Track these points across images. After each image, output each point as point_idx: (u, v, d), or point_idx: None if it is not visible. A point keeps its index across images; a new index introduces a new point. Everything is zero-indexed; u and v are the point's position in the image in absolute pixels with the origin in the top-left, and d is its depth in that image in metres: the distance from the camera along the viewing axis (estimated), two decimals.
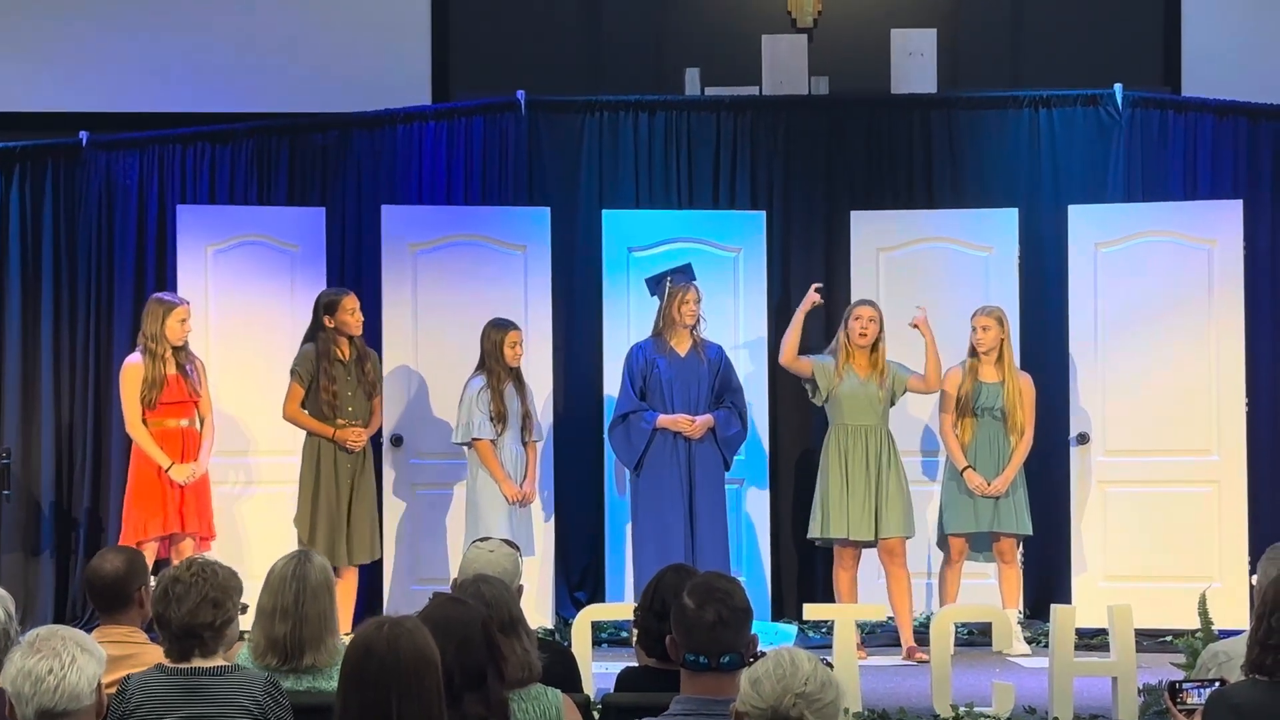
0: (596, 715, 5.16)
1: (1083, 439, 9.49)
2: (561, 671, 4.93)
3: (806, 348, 9.17)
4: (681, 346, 9.13)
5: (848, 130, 10.18)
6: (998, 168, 10.09)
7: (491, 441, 8.92)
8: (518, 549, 5.38)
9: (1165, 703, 4.76)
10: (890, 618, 8.87)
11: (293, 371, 8.92)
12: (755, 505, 9.73)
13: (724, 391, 9.15)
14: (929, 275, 9.71)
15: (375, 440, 9.26)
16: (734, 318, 9.73)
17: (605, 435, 9.38)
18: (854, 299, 9.42)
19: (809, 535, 9.03)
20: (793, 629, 9.09)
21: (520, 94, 10.09)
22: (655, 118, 10.16)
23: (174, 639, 4.45)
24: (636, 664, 4.88)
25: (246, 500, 9.60)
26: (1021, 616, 9.14)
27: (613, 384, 9.43)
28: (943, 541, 9.15)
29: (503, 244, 9.73)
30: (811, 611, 7.90)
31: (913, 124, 10.16)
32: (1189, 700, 4.62)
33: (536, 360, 9.40)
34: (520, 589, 5.13)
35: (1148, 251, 9.52)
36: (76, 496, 9.99)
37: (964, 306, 9.26)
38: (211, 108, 10.31)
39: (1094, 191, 9.90)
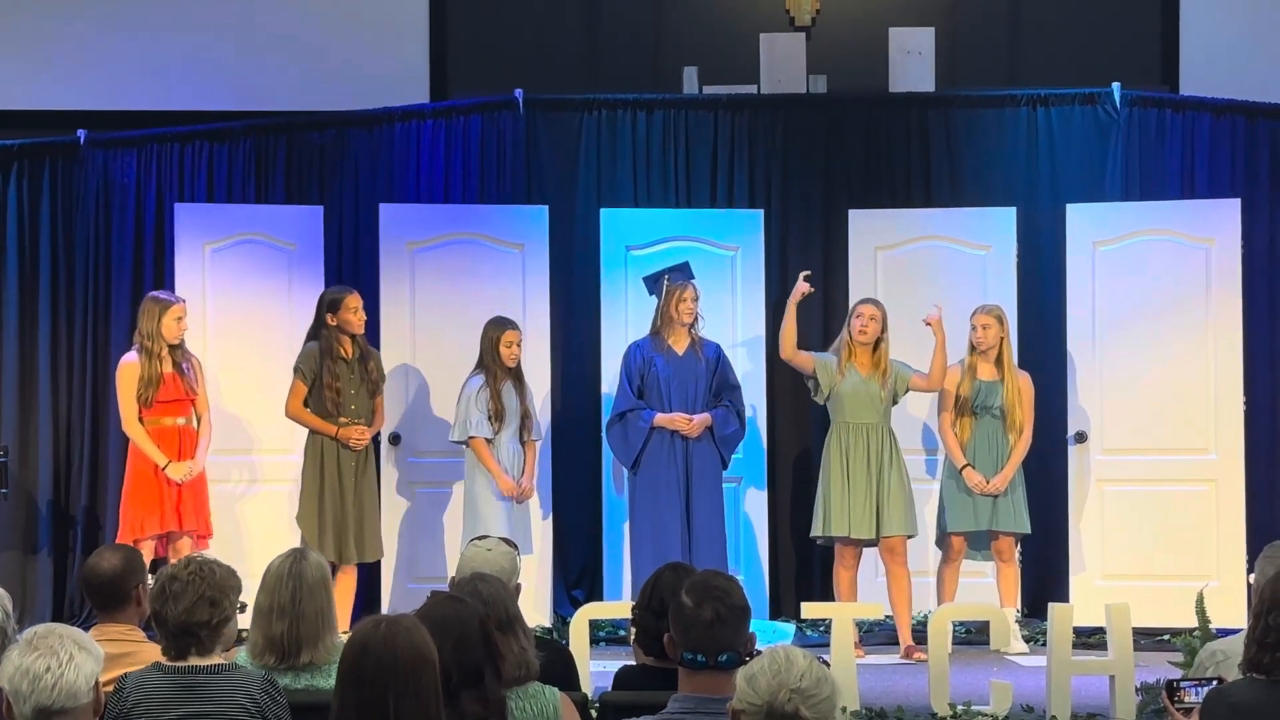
0: (594, 714, 5.16)
1: (1080, 438, 9.49)
2: (559, 670, 4.93)
3: (805, 346, 9.17)
4: (679, 345, 9.13)
5: (846, 129, 10.18)
6: (996, 166, 10.09)
7: (488, 440, 8.92)
8: (516, 547, 5.38)
9: (1163, 701, 4.76)
10: (888, 616, 8.87)
11: (296, 370, 8.91)
12: (753, 504, 9.73)
13: (722, 390, 9.15)
14: (927, 274, 9.71)
15: (377, 439, 9.25)
16: (732, 316, 9.74)
17: (603, 434, 9.39)
18: (852, 297, 9.44)
19: (811, 533, 9.03)
20: (790, 627, 9.09)
21: (518, 92, 10.08)
22: (653, 116, 10.16)
23: (171, 637, 4.45)
24: (634, 662, 4.88)
25: (244, 499, 9.59)
26: (1019, 615, 9.14)
27: (611, 382, 9.43)
28: (942, 540, 9.15)
29: (501, 242, 9.73)
30: (809, 610, 7.91)
31: (911, 122, 10.16)
32: (1186, 699, 4.62)
33: (534, 359, 9.40)
34: (518, 587, 5.13)
35: (1145, 250, 9.53)
36: (74, 495, 9.99)
37: (962, 305, 9.26)
38: (209, 106, 10.30)
39: (1092, 190, 9.90)
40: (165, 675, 4.40)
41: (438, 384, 9.55)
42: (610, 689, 4.91)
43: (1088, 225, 9.57)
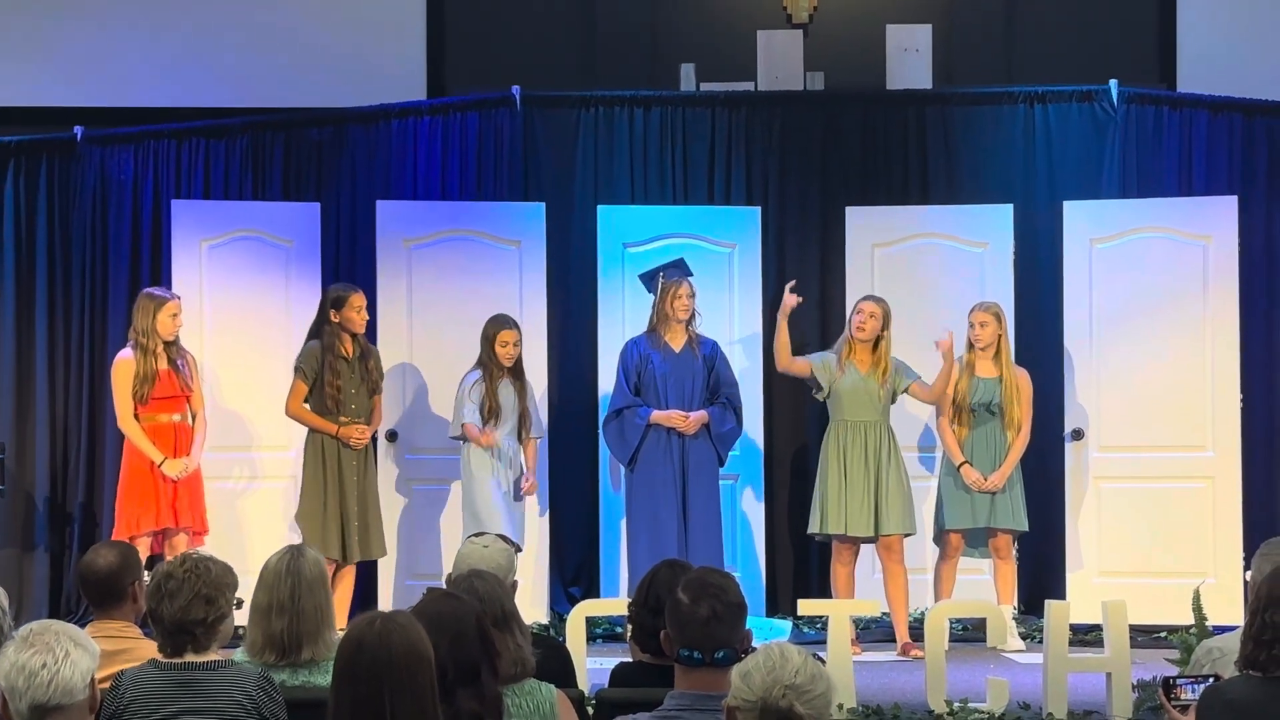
0: (591, 710, 5.16)
1: (1078, 435, 9.49)
2: (556, 667, 4.93)
3: (801, 346, 9.17)
4: (676, 342, 9.13)
5: (843, 126, 10.18)
6: (993, 163, 10.09)
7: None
8: (512, 544, 5.39)
9: (1159, 698, 4.76)
10: (885, 613, 8.88)
11: (296, 369, 8.90)
12: (750, 501, 9.72)
13: (719, 387, 9.15)
14: (924, 271, 9.71)
15: (375, 437, 9.24)
16: (729, 313, 9.74)
17: (600, 430, 9.38)
18: (849, 295, 9.44)
19: (809, 530, 9.03)
20: (787, 624, 9.09)
21: (515, 89, 10.08)
22: (650, 113, 10.16)
23: (167, 635, 4.45)
24: (631, 659, 4.88)
25: (242, 495, 9.58)
26: (1016, 612, 9.14)
27: (608, 379, 9.43)
28: (940, 537, 9.15)
29: (498, 239, 9.73)
30: (806, 607, 7.91)
31: (908, 120, 10.16)
32: (1183, 696, 4.62)
33: (531, 356, 9.39)
34: (515, 584, 5.13)
35: (1143, 247, 9.53)
36: (71, 492, 9.99)
37: (959, 302, 9.27)
38: (206, 103, 10.30)
39: (1089, 187, 9.90)
40: (161, 672, 4.39)
41: (435, 381, 9.55)
42: (607, 686, 4.90)
43: (1085, 222, 9.56)
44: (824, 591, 9.08)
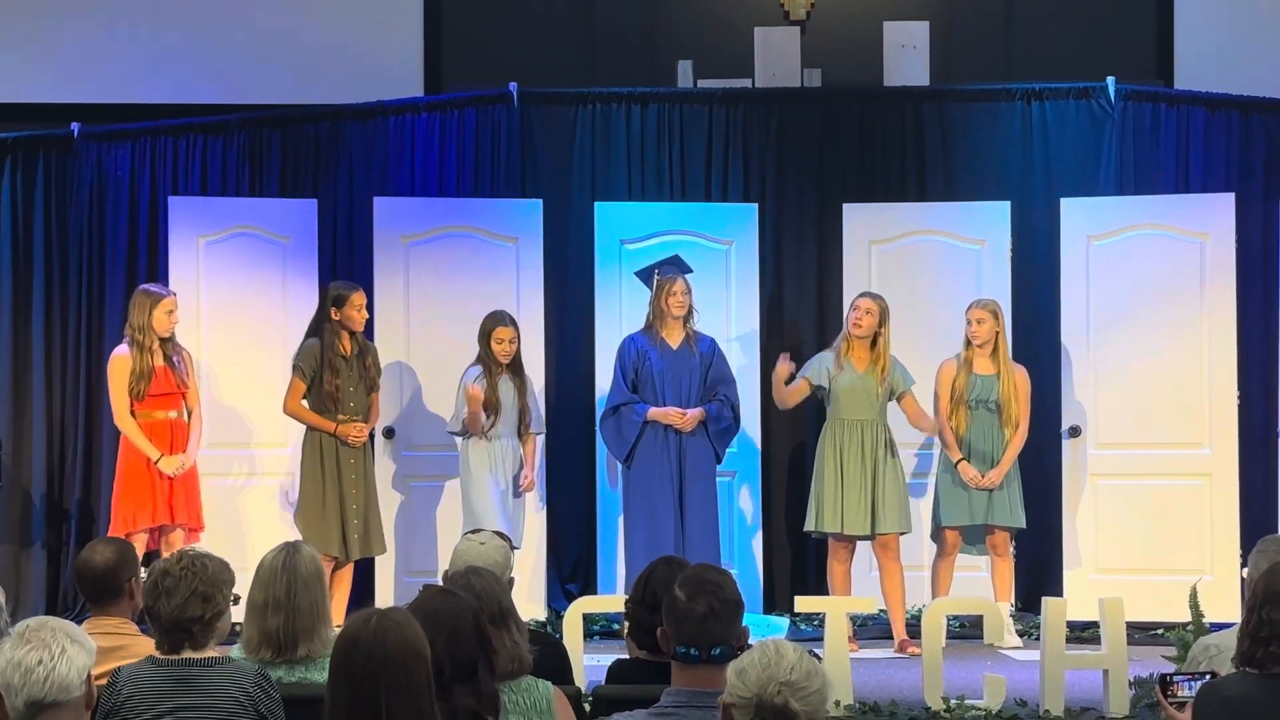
0: (587, 707, 5.15)
1: (1074, 432, 9.49)
2: (553, 663, 4.93)
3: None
4: (673, 339, 9.13)
5: (840, 123, 10.17)
6: (990, 160, 10.09)
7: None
8: (509, 541, 5.38)
9: (1156, 695, 4.77)
10: (882, 610, 8.88)
11: (295, 367, 8.89)
12: (747, 498, 9.73)
13: (716, 384, 9.14)
14: (921, 268, 9.71)
15: (372, 434, 9.24)
16: (726, 311, 9.73)
17: (597, 427, 9.38)
18: (846, 292, 9.43)
19: (805, 528, 9.02)
20: (784, 621, 9.09)
21: (512, 86, 10.07)
22: (648, 110, 10.15)
23: (164, 632, 4.44)
24: (628, 656, 4.88)
25: (240, 492, 9.57)
26: (1013, 609, 9.14)
27: (605, 376, 9.42)
28: (937, 534, 9.15)
29: (495, 236, 9.73)
30: (803, 604, 7.91)
31: (905, 117, 10.16)
32: (1180, 693, 4.63)
33: (528, 352, 9.38)
34: (511, 581, 5.13)
35: (1140, 244, 9.52)
36: (68, 488, 9.98)
37: (956, 299, 9.26)
38: (203, 99, 10.30)
39: (1086, 184, 9.90)
40: (159, 668, 4.39)
41: (431, 378, 9.54)
42: (604, 682, 4.90)
43: (1082, 219, 9.56)
44: (821, 588, 9.08)
